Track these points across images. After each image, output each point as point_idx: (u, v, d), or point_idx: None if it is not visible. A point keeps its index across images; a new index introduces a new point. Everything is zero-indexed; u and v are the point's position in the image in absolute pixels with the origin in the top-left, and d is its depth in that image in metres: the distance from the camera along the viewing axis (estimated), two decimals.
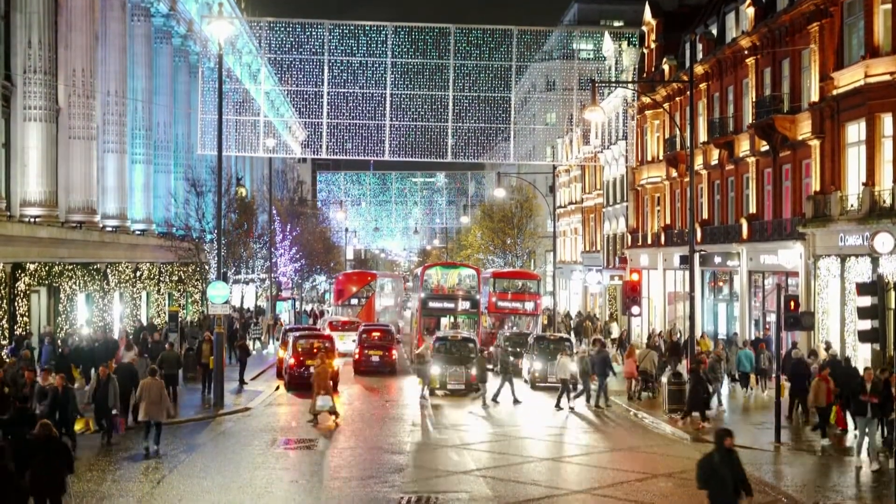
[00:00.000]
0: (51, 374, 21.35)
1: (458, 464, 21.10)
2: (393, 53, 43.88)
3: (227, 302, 29.83)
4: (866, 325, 19.90)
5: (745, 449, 23.25)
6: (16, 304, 31.36)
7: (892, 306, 27.17)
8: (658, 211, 52.26)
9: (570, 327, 55.66)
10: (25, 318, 31.99)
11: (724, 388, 31.32)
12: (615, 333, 51.95)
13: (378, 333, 42.01)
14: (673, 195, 49.94)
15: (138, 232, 44.23)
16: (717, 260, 42.22)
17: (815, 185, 33.89)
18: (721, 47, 42.73)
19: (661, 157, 50.74)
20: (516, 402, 30.71)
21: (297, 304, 67.84)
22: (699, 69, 43.26)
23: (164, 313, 46.56)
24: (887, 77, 29.45)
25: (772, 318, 33.31)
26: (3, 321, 30.63)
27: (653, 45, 53.41)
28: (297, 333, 36.68)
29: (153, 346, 31.09)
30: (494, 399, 30.89)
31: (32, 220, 33.82)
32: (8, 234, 30.85)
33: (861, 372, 23.55)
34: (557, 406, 29.76)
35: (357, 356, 39.94)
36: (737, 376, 32.40)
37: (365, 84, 44.35)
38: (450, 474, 19.97)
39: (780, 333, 25.06)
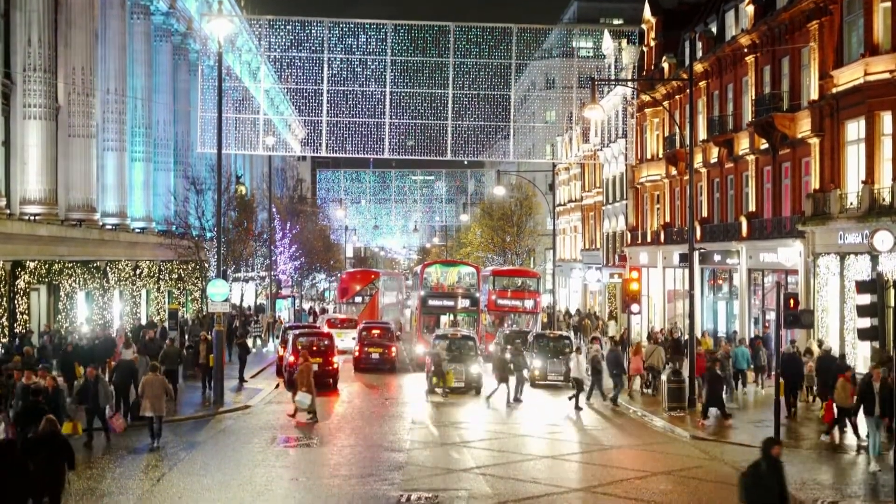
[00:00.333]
0: (35, 374, 21.01)
1: (458, 462, 21.12)
2: (392, 51, 43.89)
3: (226, 300, 29.82)
4: (866, 322, 19.89)
5: (745, 447, 23.32)
6: (16, 301, 31.38)
7: (892, 304, 27.25)
8: (658, 209, 52.27)
9: (570, 325, 55.68)
10: (25, 316, 32.02)
11: None
12: (612, 332, 51.99)
13: (378, 331, 42.11)
14: (672, 193, 49.95)
15: (138, 230, 44.24)
16: (717, 258, 42.25)
17: (815, 183, 33.91)
18: (721, 45, 42.73)
19: (660, 156, 50.75)
20: (517, 400, 30.64)
21: (297, 302, 67.86)
22: (699, 67, 43.26)
23: (164, 311, 46.60)
24: (887, 75, 29.47)
25: (771, 316, 33.33)
26: (3, 319, 30.65)
27: (652, 43, 53.40)
28: (297, 331, 36.74)
29: (147, 344, 31.05)
30: (517, 399, 30.54)
31: (32, 217, 33.82)
32: (8, 231, 30.86)
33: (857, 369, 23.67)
34: (577, 407, 29.47)
35: (357, 353, 40.05)
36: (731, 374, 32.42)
37: (364, 82, 44.39)
38: (449, 472, 19.98)
39: (779, 331, 25.05)
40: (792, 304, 23.76)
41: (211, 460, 20.67)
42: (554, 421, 27.69)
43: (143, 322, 41.31)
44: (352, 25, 43.88)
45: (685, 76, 39.02)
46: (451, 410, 29.24)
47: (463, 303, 46.54)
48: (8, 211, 32.34)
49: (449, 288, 48.54)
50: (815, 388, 28.19)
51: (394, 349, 40.83)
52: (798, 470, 20.78)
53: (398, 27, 43.94)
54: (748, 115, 39.37)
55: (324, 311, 69.89)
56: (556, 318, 54.69)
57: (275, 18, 44.24)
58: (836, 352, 29.14)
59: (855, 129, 31.73)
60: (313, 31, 43.43)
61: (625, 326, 49.58)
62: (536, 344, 36.66)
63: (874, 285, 19.84)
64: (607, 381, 31.13)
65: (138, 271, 43.38)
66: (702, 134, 44.65)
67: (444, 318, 46.53)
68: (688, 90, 33.74)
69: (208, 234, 42.11)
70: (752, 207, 39.67)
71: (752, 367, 32.19)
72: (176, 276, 48.75)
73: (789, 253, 35.35)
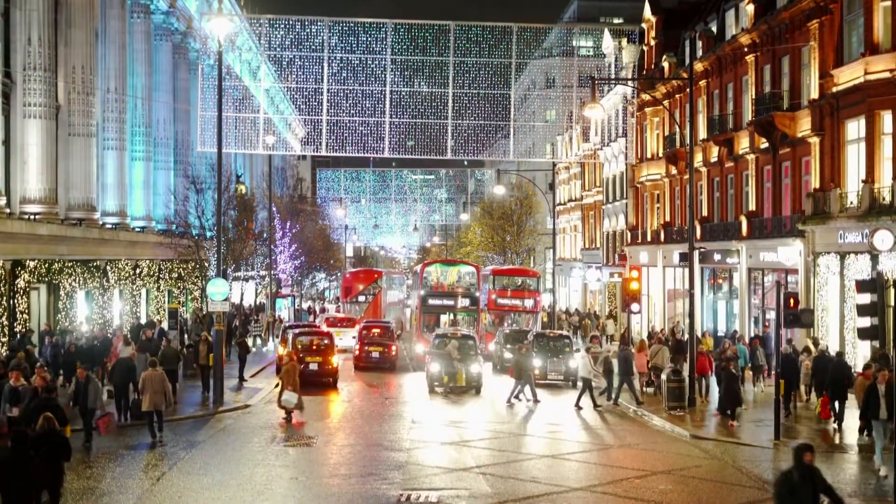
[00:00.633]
0: (23, 374, 20.82)
1: (458, 461, 21.11)
2: (393, 50, 43.87)
3: (226, 299, 29.81)
4: (866, 322, 19.89)
5: (745, 446, 23.34)
6: (15, 300, 31.37)
7: (892, 303, 27.26)
8: (658, 208, 52.27)
9: (572, 324, 55.69)
10: (25, 315, 32.01)
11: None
12: (610, 331, 52.08)
13: (378, 330, 42.20)
14: (672, 192, 49.95)
15: (138, 229, 44.23)
16: (717, 257, 42.25)
17: (815, 182, 33.91)
18: (721, 44, 42.73)
19: (660, 155, 50.75)
20: (517, 400, 30.57)
21: (297, 301, 67.89)
22: (699, 66, 43.27)
23: (164, 310, 46.60)
24: (887, 74, 29.46)
25: (771, 315, 33.34)
26: (3, 318, 30.64)
27: (652, 43, 53.40)
28: (297, 330, 36.78)
29: (145, 343, 31.01)
30: (535, 399, 30.33)
31: (32, 217, 33.80)
32: (8, 231, 30.85)
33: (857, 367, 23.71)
34: (578, 405, 29.33)
35: (357, 352, 40.17)
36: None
37: (365, 81, 44.37)
38: (449, 471, 19.98)
39: (779, 331, 25.06)
40: (792, 304, 23.77)
41: (211, 459, 20.67)
42: (554, 420, 27.68)
43: (143, 321, 41.28)
44: (352, 24, 43.87)
45: (685, 75, 39.03)
46: (452, 409, 29.24)
47: (463, 302, 46.56)
48: (8, 210, 32.32)
49: (449, 287, 48.57)
50: (811, 386, 28.27)
51: (394, 348, 40.90)
52: None
53: (398, 26, 43.94)
54: (748, 115, 39.36)
55: (323, 310, 69.96)
56: (558, 318, 54.71)
57: (275, 17, 44.24)
58: (834, 351, 29.17)
59: (855, 128, 31.73)
60: (313, 30, 43.43)
61: (624, 326, 49.67)
62: (536, 343, 36.64)
63: (874, 284, 19.83)
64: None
65: (138, 270, 43.37)
66: (702, 133, 44.65)
67: (444, 318, 46.54)
68: (688, 89, 33.73)
69: (208, 234, 42.11)
70: (752, 207, 39.67)
71: (749, 365, 32.20)
72: (176, 276, 48.75)
73: (789, 252, 35.35)
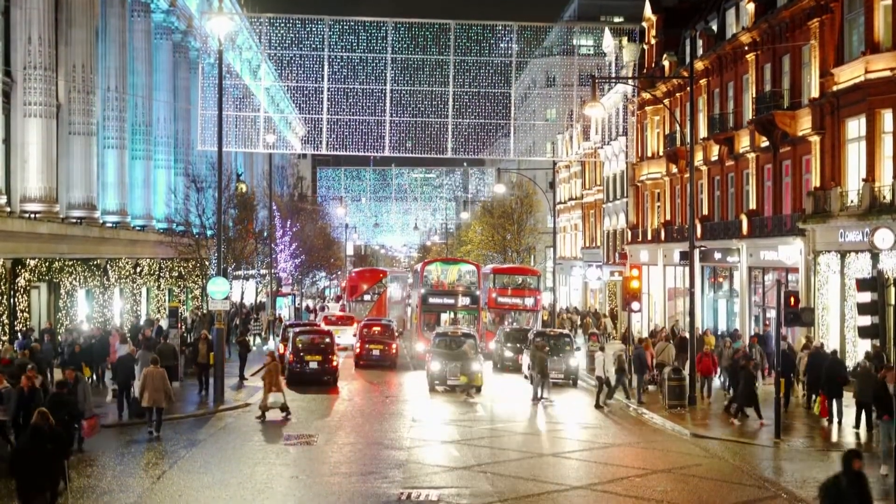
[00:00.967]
0: (4, 376, 20.56)
1: (459, 459, 21.12)
2: (393, 49, 43.83)
3: (227, 298, 29.80)
4: (866, 321, 19.89)
5: (746, 444, 23.35)
6: (16, 299, 31.37)
7: (892, 302, 27.26)
8: (658, 207, 52.26)
9: (574, 323, 55.69)
10: (25, 314, 32.01)
11: (716, 382, 31.48)
12: (609, 329, 52.11)
13: (379, 328, 42.35)
14: (673, 191, 49.94)
15: (138, 228, 44.24)
16: (717, 256, 42.25)
17: (815, 181, 33.90)
18: (721, 43, 42.71)
19: (661, 153, 50.73)
20: (539, 399, 30.39)
21: (298, 300, 67.92)
22: (699, 65, 43.25)
23: (165, 309, 46.60)
24: (887, 73, 29.46)
25: (772, 314, 33.34)
26: (4, 317, 30.64)
27: (653, 41, 53.38)
28: (298, 329, 36.80)
29: (142, 342, 30.95)
30: (541, 398, 30.32)
31: (32, 215, 33.80)
32: (8, 229, 30.85)
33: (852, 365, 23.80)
34: (597, 405, 29.29)
35: (358, 350, 40.40)
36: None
37: (365, 80, 44.34)
38: (450, 470, 19.99)
39: (780, 329, 25.08)
40: (792, 302, 23.79)
41: (211, 458, 20.68)
42: (554, 418, 27.69)
43: (143, 320, 41.27)
44: (352, 23, 43.83)
45: (686, 74, 39.03)
46: (452, 408, 29.24)
47: (463, 301, 46.58)
48: (8, 209, 32.31)
49: (449, 286, 48.58)
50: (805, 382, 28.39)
51: (394, 346, 41.02)
52: (798, 468, 20.81)
53: (399, 25, 43.91)
54: (749, 113, 39.35)
55: (322, 308, 70.07)
56: (560, 316, 54.73)
57: (275, 16, 44.21)
58: (830, 349, 29.21)
59: (855, 126, 31.72)
60: (314, 28, 43.39)
61: (625, 325, 49.66)
62: (536, 342, 36.62)
63: (874, 283, 19.84)
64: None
65: (139, 269, 43.39)
66: (702, 132, 44.64)
67: (445, 316, 46.56)
68: (688, 88, 33.73)
69: (209, 232, 42.12)
70: (752, 205, 39.66)
71: None
72: (176, 274, 48.77)
73: (790, 251, 35.34)
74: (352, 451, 22.10)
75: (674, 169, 48.87)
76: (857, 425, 24.56)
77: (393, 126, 44.40)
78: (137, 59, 44.63)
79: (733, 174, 42.16)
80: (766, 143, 37.93)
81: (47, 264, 33.67)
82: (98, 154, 39.62)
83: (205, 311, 38.43)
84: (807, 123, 34.65)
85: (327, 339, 34.59)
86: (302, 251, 63.65)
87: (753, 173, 39.67)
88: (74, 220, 37.27)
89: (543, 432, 25.49)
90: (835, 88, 32.24)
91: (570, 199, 76.32)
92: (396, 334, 44.44)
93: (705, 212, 45.12)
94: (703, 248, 39.76)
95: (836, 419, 25.44)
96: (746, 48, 39.68)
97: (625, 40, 58.18)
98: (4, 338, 30.20)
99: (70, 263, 35.67)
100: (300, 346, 34.08)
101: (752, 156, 39.57)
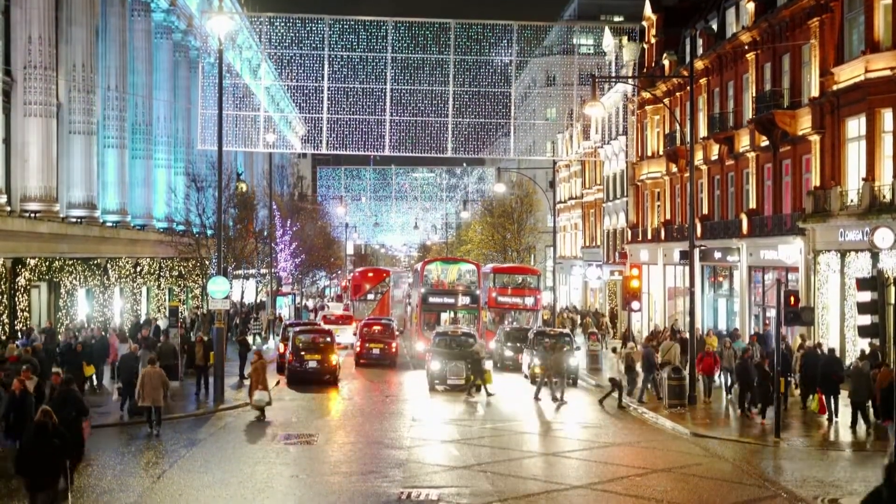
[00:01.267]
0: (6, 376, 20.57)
1: (459, 459, 21.13)
2: (393, 49, 43.84)
3: (227, 297, 29.79)
4: (866, 320, 19.92)
5: (746, 443, 23.36)
6: (16, 298, 31.39)
7: (892, 301, 27.28)
8: (658, 206, 52.26)
9: (575, 322, 55.71)
10: (26, 314, 32.03)
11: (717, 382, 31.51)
12: (608, 329, 52.16)
13: (379, 327, 42.48)
14: (673, 190, 49.94)
15: (138, 227, 44.26)
16: (717, 255, 42.24)
17: (815, 180, 33.90)
18: (721, 42, 42.70)
19: (661, 153, 50.72)
20: (557, 399, 30.26)
21: (298, 299, 67.97)
22: (699, 64, 43.25)
23: (165, 308, 46.63)
24: (887, 72, 29.46)
25: (772, 313, 33.34)
26: (4, 316, 30.65)
27: (653, 41, 53.37)
28: (298, 328, 36.85)
29: (141, 341, 30.91)
30: (561, 400, 30.27)
31: (33, 215, 33.83)
32: (8, 229, 30.88)
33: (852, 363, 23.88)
34: (620, 406, 29.18)
35: (358, 349, 40.63)
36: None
37: (365, 79, 44.34)
38: (450, 469, 20.00)
39: (779, 329, 25.10)
40: (792, 302, 23.80)
41: (211, 457, 20.69)
42: (554, 418, 27.70)
43: (142, 320, 41.28)
44: (352, 23, 43.84)
45: (686, 73, 39.03)
46: (452, 408, 29.25)
47: (463, 300, 46.59)
48: (8, 208, 32.34)
49: (449, 285, 48.59)
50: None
51: (394, 345, 41.17)
52: (798, 466, 20.82)
53: (399, 24, 43.91)
54: (749, 113, 39.35)
55: (321, 307, 70.15)
56: (562, 315, 54.73)
57: (275, 16, 44.21)
58: (827, 348, 29.27)
59: (855, 126, 31.73)
60: (314, 28, 43.39)
61: (625, 324, 49.67)
62: (536, 341, 36.66)
63: (874, 282, 19.87)
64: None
65: (139, 268, 43.41)
66: (702, 131, 44.64)
67: (445, 316, 46.57)
68: (688, 87, 33.73)
69: (209, 232, 42.15)
70: (752, 205, 39.66)
71: None
72: (176, 274, 48.79)
73: (790, 250, 35.34)
74: (352, 451, 22.11)
75: (674, 168, 48.87)
76: (854, 424, 24.62)
77: (393, 125, 44.41)
78: (137, 58, 44.66)
79: (733, 173, 42.15)
80: (766, 143, 37.93)
81: (47, 264, 33.69)
82: (98, 153, 39.64)
83: (205, 311, 38.42)
84: (807, 123, 34.64)
85: (327, 339, 34.62)
86: (302, 250, 63.69)
87: (753, 172, 39.67)
88: (74, 220, 37.29)
89: (543, 431, 25.50)
90: (835, 88, 32.24)
91: (570, 198, 76.32)
92: (397, 333, 44.50)
93: (705, 211, 45.12)
94: (703, 248, 39.76)
95: (833, 417, 25.52)
96: (746, 47, 39.68)
97: (625, 39, 58.18)
98: (4, 337, 30.22)
99: (70, 263, 35.68)
100: (300, 345, 34.11)
101: (752, 155, 39.57)
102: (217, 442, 22.65)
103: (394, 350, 40.97)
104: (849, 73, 31.30)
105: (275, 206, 58.01)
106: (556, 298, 56.74)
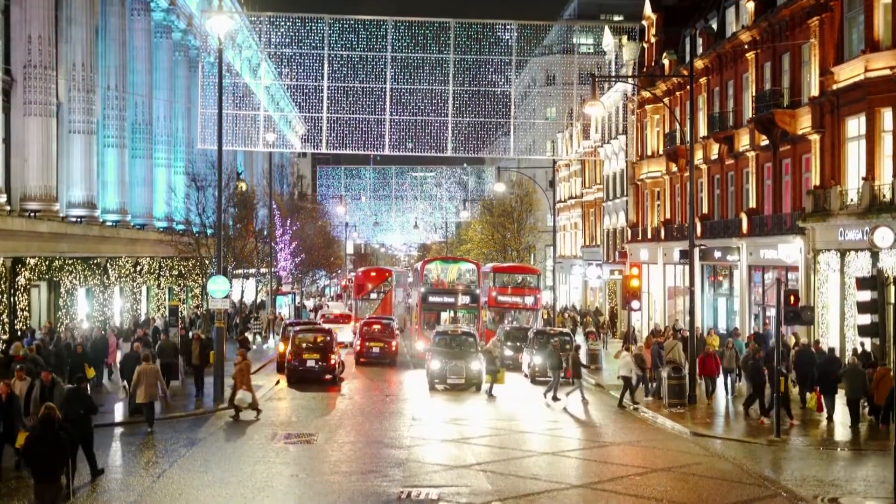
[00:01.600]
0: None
1: (458, 458, 21.12)
2: (393, 48, 43.85)
3: (227, 296, 29.76)
4: (866, 319, 19.92)
5: (746, 443, 23.36)
6: (16, 298, 31.38)
7: (892, 301, 27.26)
8: (658, 205, 52.26)
9: (577, 322, 55.72)
10: (26, 313, 32.03)
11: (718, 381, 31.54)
12: (606, 328, 52.19)
13: (379, 326, 42.48)
14: (673, 190, 49.94)
15: (138, 226, 44.27)
16: (717, 255, 42.25)
17: (815, 179, 33.90)
18: (721, 42, 42.70)
19: (661, 152, 50.73)
20: (556, 399, 30.32)
21: (298, 298, 68.02)
22: (699, 64, 43.25)
23: (165, 308, 46.64)
24: (887, 71, 29.45)
25: (771, 312, 33.34)
26: (4, 315, 30.65)
27: (653, 40, 53.37)
28: (298, 328, 36.86)
29: (140, 339, 30.87)
30: (556, 398, 30.22)
31: (32, 214, 33.84)
32: (8, 228, 30.88)
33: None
34: (632, 402, 29.11)
35: (358, 347, 40.73)
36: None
37: (365, 79, 44.36)
38: (450, 468, 19.99)
39: (779, 328, 25.09)
40: (792, 301, 23.80)
41: (211, 457, 20.69)
42: (554, 417, 27.71)
43: (141, 320, 41.28)
44: (352, 22, 43.86)
45: (686, 73, 39.03)
46: (452, 407, 29.25)
47: (463, 299, 46.60)
48: (8, 207, 32.35)
49: (449, 284, 48.59)
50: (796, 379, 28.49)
51: (394, 344, 41.23)
52: (798, 466, 20.83)
53: (398, 24, 43.93)
54: (749, 112, 39.35)
55: (319, 307, 70.27)
56: (562, 315, 54.70)
57: (275, 15, 44.24)
58: (826, 346, 29.34)
59: (855, 125, 31.72)
60: (314, 27, 43.39)
61: (626, 324, 49.66)
62: (536, 340, 36.66)
63: (874, 282, 19.87)
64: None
65: (139, 268, 43.42)
66: (702, 130, 44.64)
67: (445, 315, 46.58)
68: (688, 86, 33.73)
69: (209, 231, 42.18)
70: (752, 204, 39.66)
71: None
72: (176, 273, 48.80)
73: (789, 249, 35.35)
74: (352, 450, 22.10)
75: (674, 167, 48.87)
76: (853, 422, 24.66)
77: (393, 125, 44.43)
78: (137, 57, 44.67)
79: (733, 173, 42.16)
80: (766, 142, 37.93)
81: (47, 263, 33.69)
82: (98, 153, 39.66)
83: (205, 310, 38.43)
84: (807, 122, 34.64)
85: (327, 338, 34.61)
86: (302, 250, 63.70)
87: (753, 172, 39.67)
88: (74, 219, 37.29)
89: (543, 431, 25.49)
90: (835, 87, 32.24)
91: (570, 197, 76.31)
92: (397, 332, 44.53)
93: (705, 210, 45.12)
94: (702, 247, 39.77)
95: (831, 416, 25.56)
96: (746, 47, 39.68)
97: (625, 39, 58.19)
98: (4, 336, 30.22)
99: (70, 262, 35.68)
100: (300, 344, 34.10)
101: (751, 154, 39.57)
102: (217, 441, 22.66)
103: (394, 349, 41.05)
104: (849, 73, 31.30)
105: (275, 206, 58.03)
106: (556, 298, 56.75)
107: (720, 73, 43.45)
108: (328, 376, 33.55)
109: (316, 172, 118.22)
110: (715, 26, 45.27)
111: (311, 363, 33.42)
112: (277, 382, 34.04)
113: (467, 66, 44.27)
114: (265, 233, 53.82)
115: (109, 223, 40.81)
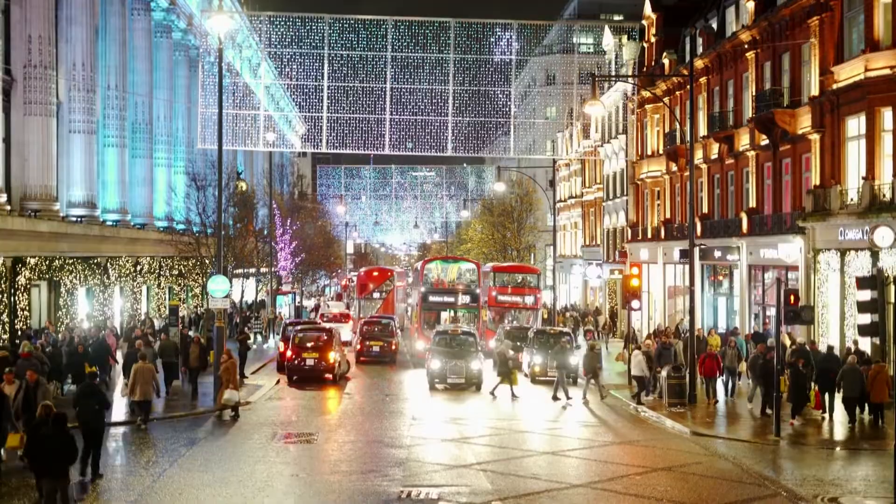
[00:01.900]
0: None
1: (458, 458, 21.13)
2: (393, 47, 43.86)
3: (227, 296, 29.76)
4: (866, 319, 19.91)
5: (746, 443, 23.37)
6: (16, 298, 31.39)
7: (892, 300, 27.27)
8: (658, 205, 52.27)
9: (578, 321, 55.70)
10: (26, 313, 32.03)
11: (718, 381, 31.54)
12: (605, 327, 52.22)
13: (379, 326, 42.51)
14: (673, 189, 49.94)
15: (139, 226, 44.28)
16: (717, 254, 42.25)
17: (815, 179, 33.90)
18: (721, 41, 42.70)
19: (661, 152, 50.73)
20: (556, 399, 30.26)
21: (298, 298, 68.05)
22: (699, 63, 43.25)
23: (165, 307, 46.64)
24: (887, 71, 29.45)
25: (771, 312, 33.36)
26: (4, 315, 30.65)
27: (653, 40, 53.37)
28: (298, 327, 36.90)
29: (139, 338, 30.81)
30: (567, 397, 30.09)
31: (33, 214, 33.85)
32: (8, 228, 30.88)
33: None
34: (638, 402, 29.19)
35: (359, 347, 40.85)
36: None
37: (365, 78, 44.39)
38: (450, 468, 19.99)
39: (779, 327, 25.10)
40: (792, 301, 23.80)
41: (211, 456, 20.69)
42: (554, 417, 27.71)
43: (139, 320, 41.27)
44: (352, 21, 43.87)
45: (685, 72, 39.02)
46: (452, 406, 29.26)
47: (463, 299, 46.61)
48: (8, 207, 32.35)
49: (449, 284, 48.62)
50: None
51: (394, 343, 41.35)
52: (798, 465, 20.84)
53: (399, 23, 43.93)
54: (748, 111, 39.35)
55: (318, 306, 70.36)
56: (563, 315, 54.69)
57: (275, 15, 44.25)
58: (825, 346, 29.36)
59: (855, 125, 31.73)
60: (314, 27, 43.41)
61: (627, 323, 49.67)
62: (537, 340, 36.65)
63: (874, 281, 19.85)
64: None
65: (139, 267, 43.42)
66: (702, 130, 44.64)
67: (445, 315, 46.59)
68: (688, 86, 33.73)
69: (209, 231, 42.19)
70: (752, 203, 39.66)
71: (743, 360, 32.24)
72: (176, 273, 48.80)
73: (789, 249, 35.35)
74: (352, 450, 22.11)
75: (674, 167, 48.87)
76: (852, 421, 24.69)
77: (393, 124, 44.44)
78: (137, 57, 44.68)
79: (733, 172, 42.15)
80: (766, 142, 37.93)
81: (47, 263, 33.69)
82: (98, 152, 39.66)
83: (205, 309, 38.42)
84: (807, 121, 34.64)
85: (326, 337, 34.60)
86: (302, 249, 63.73)
87: (753, 171, 39.67)
88: (75, 219, 37.30)
89: (543, 430, 25.49)
90: (835, 86, 32.24)
91: (570, 197, 76.32)
92: (397, 331, 44.58)
93: (705, 210, 45.12)
94: (702, 247, 39.77)
95: (829, 415, 25.59)
96: (746, 46, 39.68)
97: (625, 38, 58.19)
98: (5, 336, 30.23)
99: (70, 262, 35.69)
100: (301, 343, 34.11)
101: (751, 154, 39.57)
102: (217, 441, 22.66)
103: (394, 348, 41.16)
104: (848, 72, 31.30)
105: (275, 205, 58.04)
106: (556, 297, 56.75)
107: (720, 73, 43.46)
108: (328, 375, 33.56)
109: (316, 172, 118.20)
110: (715, 26, 45.27)
111: (311, 362, 33.44)
112: (278, 382, 34.05)
113: (467, 66, 44.31)
114: (265, 232, 53.82)
115: (110, 223, 40.82)
